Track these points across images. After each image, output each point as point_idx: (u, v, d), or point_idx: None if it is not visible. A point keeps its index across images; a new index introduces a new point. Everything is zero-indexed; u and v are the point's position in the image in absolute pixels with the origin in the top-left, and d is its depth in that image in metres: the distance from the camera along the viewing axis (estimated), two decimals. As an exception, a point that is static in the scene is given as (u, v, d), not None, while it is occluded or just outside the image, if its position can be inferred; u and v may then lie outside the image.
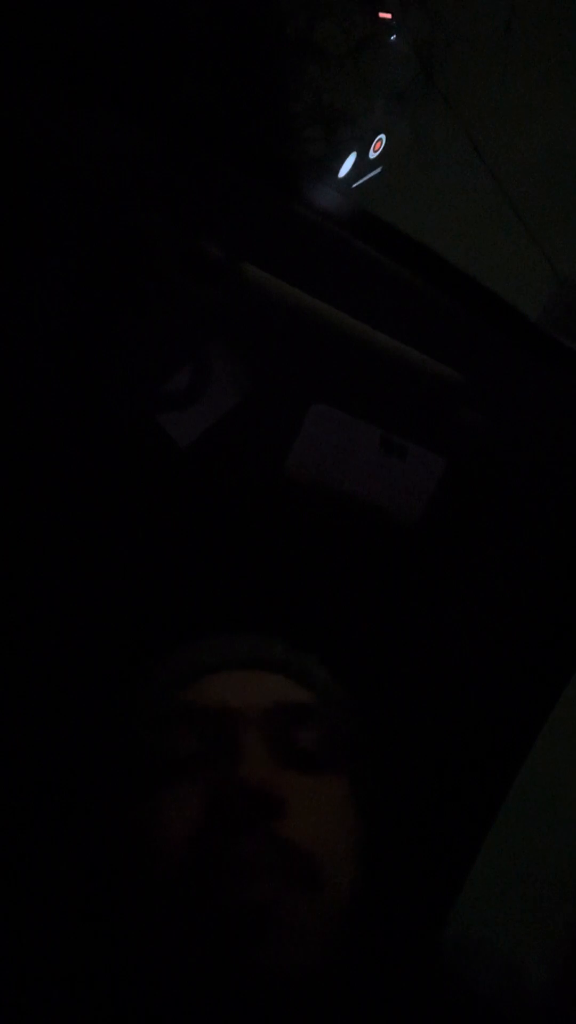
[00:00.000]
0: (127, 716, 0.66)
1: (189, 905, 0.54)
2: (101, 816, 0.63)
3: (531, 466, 0.82)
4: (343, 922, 0.57)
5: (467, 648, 0.83)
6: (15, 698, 0.73)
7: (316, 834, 0.57)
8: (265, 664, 0.66)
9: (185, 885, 0.55)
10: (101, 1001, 0.57)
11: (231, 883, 0.54)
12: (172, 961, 0.55)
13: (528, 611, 0.84)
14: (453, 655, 0.83)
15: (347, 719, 0.67)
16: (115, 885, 0.59)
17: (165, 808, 0.58)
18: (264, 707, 0.62)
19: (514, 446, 0.82)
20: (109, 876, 0.60)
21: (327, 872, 0.57)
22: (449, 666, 0.82)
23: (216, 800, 0.57)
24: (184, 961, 0.54)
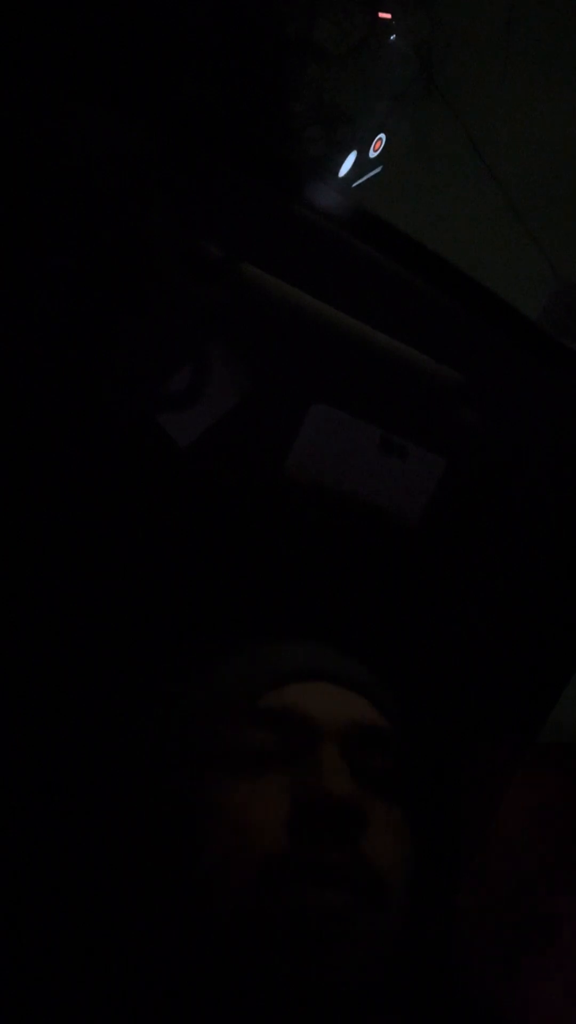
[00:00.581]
0: (195, 711, 0.66)
1: (272, 897, 0.56)
2: (174, 798, 0.63)
3: (531, 467, 0.82)
4: (398, 943, 0.59)
5: (467, 648, 0.83)
6: (13, 697, 0.73)
7: (388, 856, 0.59)
8: (348, 682, 0.67)
9: (271, 876, 0.56)
10: (170, 982, 0.58)
11: (313, 885, 0.56)
12: (244, 950, 0.56)
13: (528, 611, 0.84)
14: (453, 655, 0.83)
15: (412, 752, 0.68)
16: (194, 865, 0.60)
17: (253, 798, 0.59)
18: (345, 724, 0.63)
19: (514, 447, 0.82)
20: (186, 856, 0.60)
21: (393, 894, 0.58)
22: (449, 666, 0.82)
23: (305, 802, 0.58)
24: (257, 953, 0.55)
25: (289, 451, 0.79)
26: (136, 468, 0.77)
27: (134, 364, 0.76)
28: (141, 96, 0.68)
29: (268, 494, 0.80)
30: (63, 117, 0.68)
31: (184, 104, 0.70)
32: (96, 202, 0.69)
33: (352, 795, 0.58)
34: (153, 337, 0.76)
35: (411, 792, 0.65)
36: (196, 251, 0.74)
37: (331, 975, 0.54)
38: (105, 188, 0.69)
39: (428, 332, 0.80)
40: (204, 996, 0.57)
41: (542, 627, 0.84)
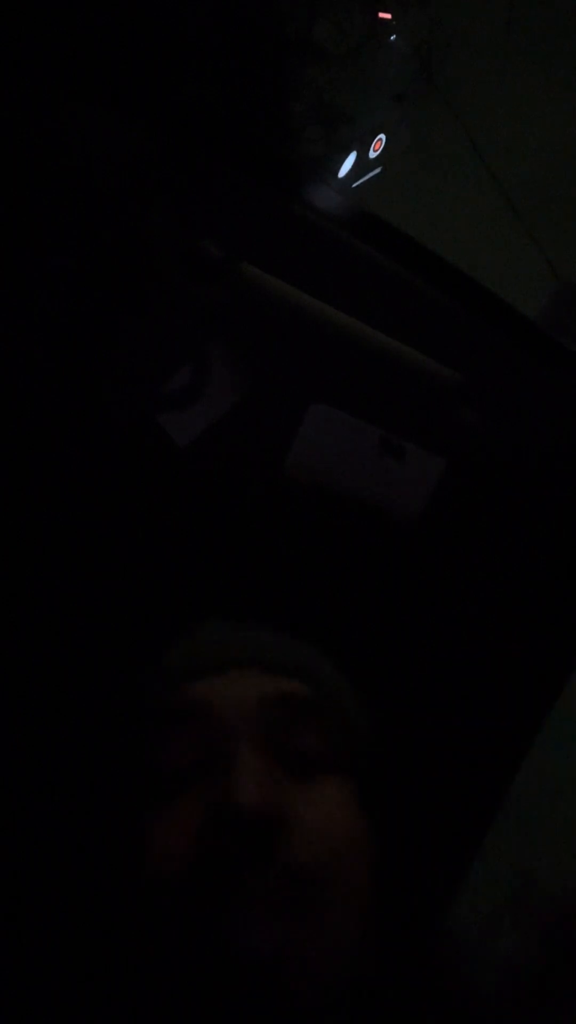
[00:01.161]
0: (119, 724, 0.64)
1: (190, 952, 0.51)
2: (95, 838, 0.62)
3: (529, 466, 0.82)
4: (356, 941, 0.54)
5: (466, 647, 0.83)
6: (13, 698, 0.73)
7: (321, 850, 0.54)
8: (249, 662, 0.63)
9: (184, 927, 0.52)
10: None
11: (234, 928, 0.50)
12: (165, 992, 0.52)
13: (527, 610, 0.84)
14: (451, 654, 0.83)
15: (348, 711, 0.64)
16: (118, 902, 0.57)
17: (157, 833, 0.55)
18: (255, 711, 0.59)
19: (513, 446, 0.82)
20: (113, 893, 0.57)
21: (336, 891, 0.53)
22: (448, 665, 0.82)
23: (209, 824, 0.53)
24: (177, 995, 0.51)
25: (288, 450, 0.79)
26: (135, 467, 0.77)
27: (134, 363, 0.76)
28: (141, 96, 0.68)
29: (267, 493, 0.80)
30: (63, 117, 0.68)
31: (184, 104, 0.70)
32: (96, 202, 0.69)
33: (261, 797, 0.53)
34: (153, 337, 0.76)
35: (354, 751, 0.61)
36: (196, 251, 0.74)
37: (277, 1016, 0.49)
38: (105, 188, 0.69)
39: (428, 332, 0.80)
40: None
41: (541, 626, 0.84)
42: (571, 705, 0.86)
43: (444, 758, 0.76)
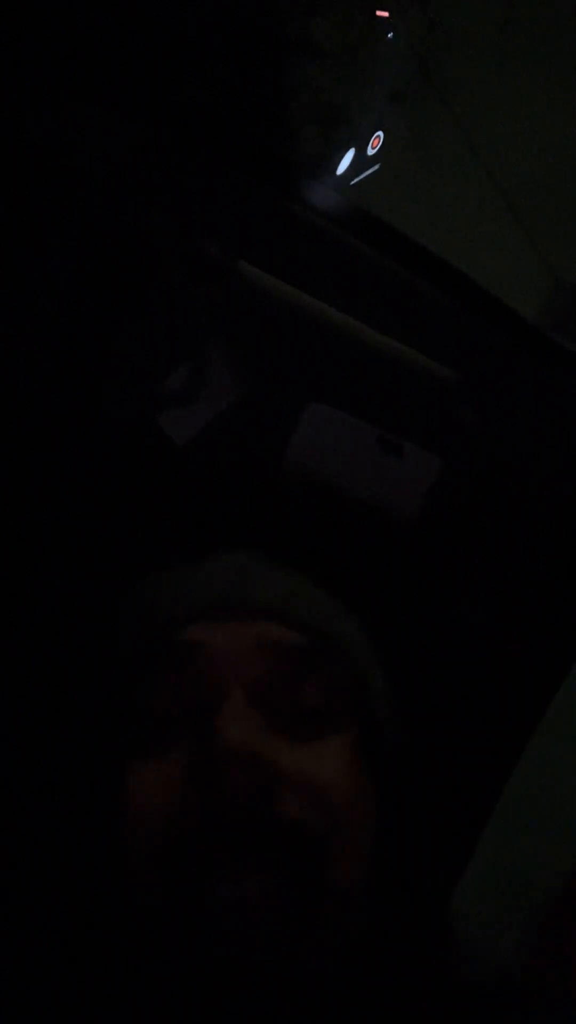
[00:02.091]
0: (104, 670, 0.60)
1: (169, 896, 0.48)
2: (75, 793, 0.58)
3: (527, 466, 0.83)
4: (355, 905, 0.51)
5: (464, 647, 0.83)
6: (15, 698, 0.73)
7: (317, 807, 0.50)
8: (253, 609, 0.58)
9: (166, 871, 0.49)
10: (79, 998, 0.53)
11: (217, 877, 0.47)
12: (153, 956, 0.49)
13: (524, 610, 0.84)
14: (448, 652, 0.83)
15: (358, 666, 0.60)
16: (104, 865, 0.53)
17: (137, 783, 0.52)
18: (252, 663, 0.55)
19: (511, 446, 0.82)
20: (99, 855, 0.54)
21: (333, 850, 0.50)
22: (444, 662, 0.83)
23: (195, 774, 0.50)
24: (165, 959, 0.49)
25: (286, 449, 0.79)
26: (133, 466, 0.77)
27: (132, 362, 0.76)
28: (140, 96, 0.68)
29: (265, 492, 0.80)
30: (61, 116, 0.68)
31: (183, 104, 0.70)
32: (95, 202, 0.69)
33: (252, 752, 0.50)
34: (151, 336, 0.76)
35: (357, 704, 0.58)
36: (194, 250, 0.74)
37: (261, 976, 0.46)
38: (104, 188, 0.69)
39: (425, 331, 0.80)
40: (118, 1002, 0.51)
41: (539, 626, 0.85)
42: (570, 705, 0.86)
43: (441, 758, 0.76)
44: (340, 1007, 0.49)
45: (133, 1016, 0.51)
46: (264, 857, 0.48)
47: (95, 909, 0.55)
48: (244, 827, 0.48)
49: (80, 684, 0.63)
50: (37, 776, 0.65)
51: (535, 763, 0.87)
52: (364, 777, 0.55)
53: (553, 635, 0.85)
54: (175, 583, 0.62)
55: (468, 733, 0.82)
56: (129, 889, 0.51)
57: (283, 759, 0.51)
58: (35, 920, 0.59)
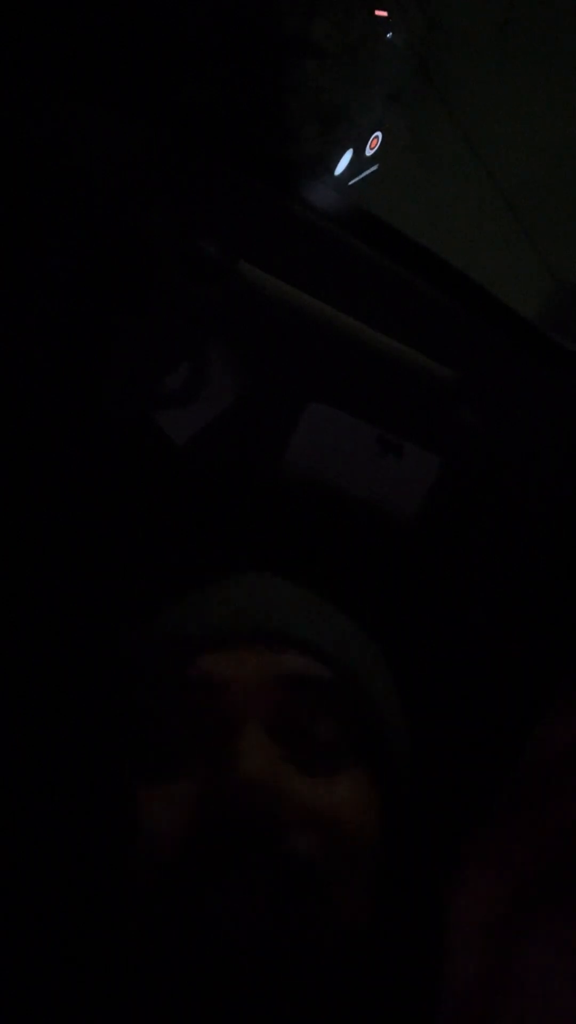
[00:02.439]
0: (114, 697, 0.60)
1: (177, 933, 0.49)
2: (85, 817, 0.58)
3: (526, 466, 0.83)
4: (355, 945, 0.51)
5: (463, 646, 0.83)
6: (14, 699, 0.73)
7: (325, 845, 0.51)
8: (268, 636, 0.57)
9: (173, 889, 0.49)
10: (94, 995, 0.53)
11: (225, 905, 0.48)
12: (157, 970, 0.49)
13: (525, 609, 0.85)
14: (448, 653, 0.83)
15: (376, 699, 0.59)
16: (111, 883, 0.54)
17: (162, 804, 0.52)
18: (268, 691, 0.54)
19: (510, 446, 0.82)
20: (107, 875, 0.54)
21: (338, 888, 0.50)
22: (444, 664, 0.83)
23: (207, 803, 0.50)
24: (169, 973, 0.49)
25: (286, 449, 0.79)
26: (133, 465, 0.77)
27: (132, 362, 0.76)
28: (140, 96, 0.68)
29: (264, 492, 0.80)
30: (63, 117, 0.68)
31: (182, 103, 0.70)
32: (95, 201, 0.69)
33: (264, 785, 0.50)
34: (151, 335, 0.76)
35: (375, 741, 0.57)
36: (194, 250, 0.74)
37: (265, 1008, 0.47)
38: (104, 187, 0.69)
39: (425, 331, 0.80)
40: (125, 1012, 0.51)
41: (538, 626, 0.85)
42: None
43: (440, 756, 0.76)
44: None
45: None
46: (270, 889, 0.49)
47: (100, 927, 0.55)
48: (252, 859, 0.49)
49: (93, 708, 0.63)
50: (48, 798, 0.65)
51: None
52: (374, 815, 0.55)
53: (555, 635, 0.85)
54: (193, 606, 0.61)
55: (469, 733, 0.82)
56: (135, 908, 0.51)
57: (296, 794, 0.52)
58: (41, 936, 0.59)
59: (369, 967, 0.52)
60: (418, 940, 0.56)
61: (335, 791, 0.53)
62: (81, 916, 0.57)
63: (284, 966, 0.47)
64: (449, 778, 0.67)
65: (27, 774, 0.68)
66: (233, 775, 0.50)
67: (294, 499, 0.81)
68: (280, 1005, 0.47)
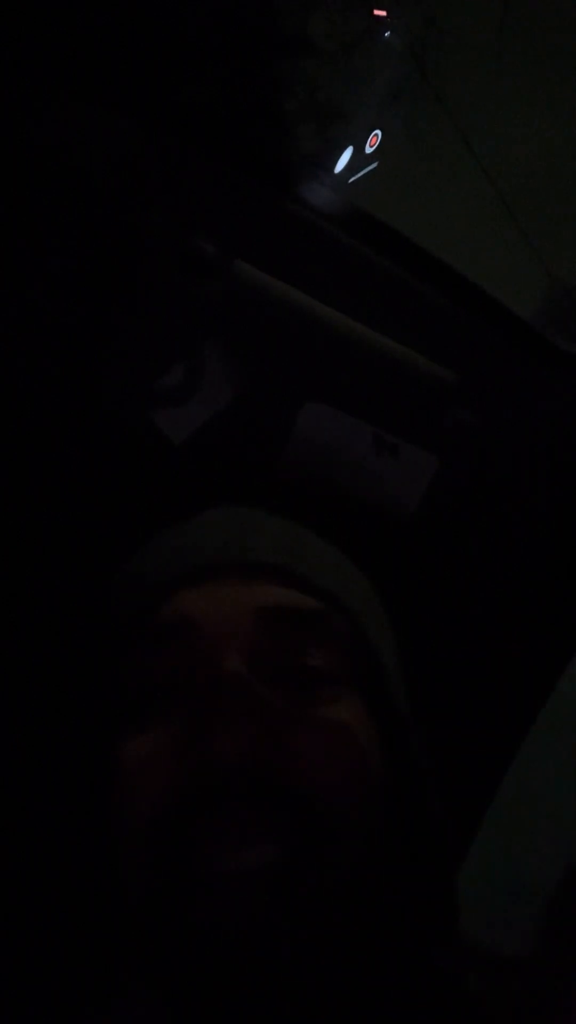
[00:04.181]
0: (93, 643, 0.57)
1: (172, 867, 0.45)
2: (66, 768, 0.56)
3: (523, 466, 0.83)
4: (364, 880, 0.47)
5: (460, 647, 0.83)
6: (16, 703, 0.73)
7: (324, 779, 0.47)
8: (253, 568, 0.54)
9: (168, 845, 0.46)
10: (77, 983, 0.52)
11: (222, 849, 0.44)
12: (152, 924, 0.46)
13: (522, 608, 0.85)
14: (446, 653, 0.83)
15: (369, 633, 0.56)
16: (101, 839, 0.50)
17: (131, 756, 0.49)
18: (252, 627, 0.51)
19: (507, 446, 0.82)
20: (95, 830, 0.51)
21: (341, 824, 0.47)
22: (441, 661, 0.83)
23: (192, 742, 0.47)
24: (162, 947, 0.46)
25: (283, 448, 0.79)
26: (130, 464, 0.77)
27: (129, 360, 0.76)
28: (138, 95, 0.68)
29: (261, 491, 0.80)
30: (58, 115, 0.68)
31: (179, 102, 0.70)
32: (93, 201, 0.69)
33: (255, 716, 0.46)
34: (148, 334, 0.76)
35: (367, 668, 0.55)
36: (191, 248, 0.74)
37: (272, 944, 0.43)
38: (101, 186, 0.69)
39: (422, 331, 0.80)
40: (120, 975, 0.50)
41: (535, 626, 0.85)
42: (566, 701, 0.87)
43: (440, 756, 0.76)
44: (340, 989, 0.47)
45: (128, 988, 0.50)
46: (265, 827, 0.45)
47: (89, 882, 0.53)
48: (244, 794, 0.45)
49: (70, 659, 0.61)
50: (28, 752, 0.64)
51: (532, 759, 0.87)
52: (372, 742, 0.52)
53: (551, 632, 0.85)
54: (166, 543, 0.58)
55: (465, 728, 0.82)
56: (122, 862, 0.48)
57: (288, 728, 0.48)
58: (29, 896, 0.58)
59: (378, 908, 0.49)
60: (424, 881, 0.54)
61: (330, 716, 0.50)
62: (66, 873, 0.55)
63: (281, 913, 0.44)
64: (446, 771, 0.67)
65: (6, 728, 0.66)
66: (216, 709, 0.47)
67: (291, 498, 0.81)
68: (276, 957, 0.44)
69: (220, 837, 0.44)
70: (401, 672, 0.60)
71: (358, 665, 0.54)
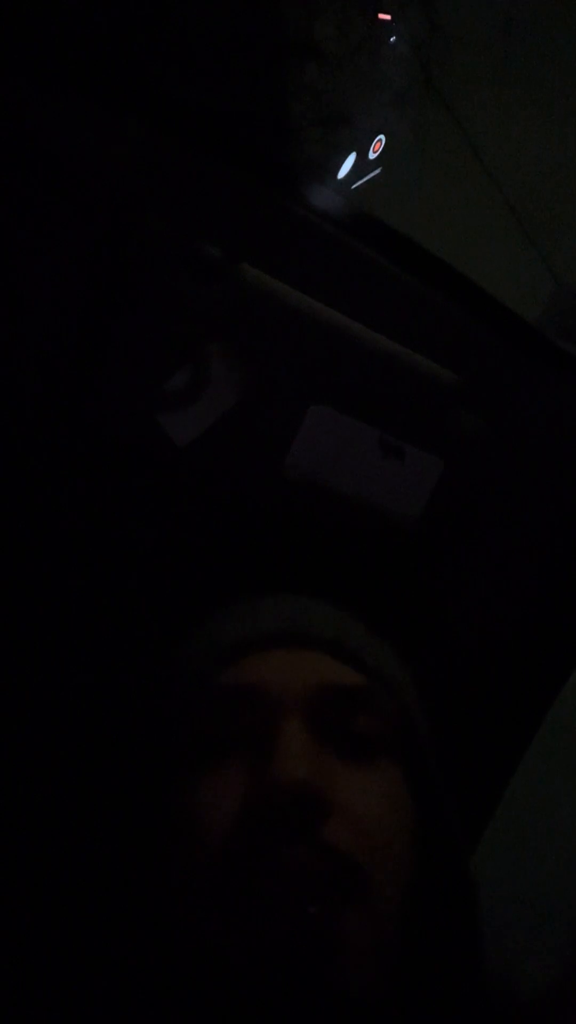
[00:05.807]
0: (158, 699, 0.63)
1: (227, 902, 0.50)
2: (129, 805, 0.61)
3: (528, 470, 0.83)
4: (395, 933, 0.52)
5: (464, 650, 0.83)
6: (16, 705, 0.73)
7: (366, 837, 0.52)
8: (310, 642, 0.61)
9: (225, 879, 0.50)
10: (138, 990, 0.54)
11: (281, 893, 0.49)
12: (205, 961, 0.50)
13: (526, 613, 0.84)
14: (450, 657, 0.83)
15: (402, 699, 0.62)
16: (157, 873, 0.55)
17: (209, 796, 0.54)
18: (309, 692, 0.57)
19: (512, 449, 0.82)
20: (151, 864, 0.56)
21: (379, 880, 0.51)
22: (445, 666, 0.83)
23: (257, 795, 0.52)
24: (220, 964, 0.49)
25: (288, 451, 0.79)
26: (134, 467, 0.77)
27: (134, 363, 0.76)
28: (141, 97, 0.68)
29: (266, 494, 0.80)
30: (62, 118, 0.68)
31: (184, 105, 0.70)
32: (96, 203, 0.69)
33: (307, 779, 0.51)
34: (152, 337, 0.76)
35: (406, 742, 0.60)
36: (195, 252, 0.74)
37: (324, 994, 0.47)
38: (105, 189, 0.69)
39: (427, 334, 0.80)
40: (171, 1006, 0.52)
41: (539, 629, 0.85)
42: (566, 710, 0.86)
43: (441, 758, 0.76)
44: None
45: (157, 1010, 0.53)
46: (310, 881, 0.49)
47: (144, 917, 0.56)
48: (294, 852, 0.50)
49: (146, 706, 0.65)
50: (95, 791, 0.67)
51: (538, 766, 0.86)
52: (409, 808, 0.57)
53: (557, 637, 0.84)
54: (229, 615, 0.65)
55: (472, 732, 0.82)
56: (188, 873, 0.52)
57: (335, 786, 0.53)
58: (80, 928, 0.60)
59: (402, 961, 0.53)
60: (451, 936, 0.57)
61: (372, 782, 0.55)
62: (123, 906, 0.58)
63: (323, 959, 0.48)
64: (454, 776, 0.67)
65: (76, 768, 0.69)
66: (275, 769, 0.52)
67: (296, 502, 0.80)
68: (315, 998, 0.47)
69: (271, 887, 0.49)
70: (433, 741, 0.65)
71: (398, 735, 0.60)
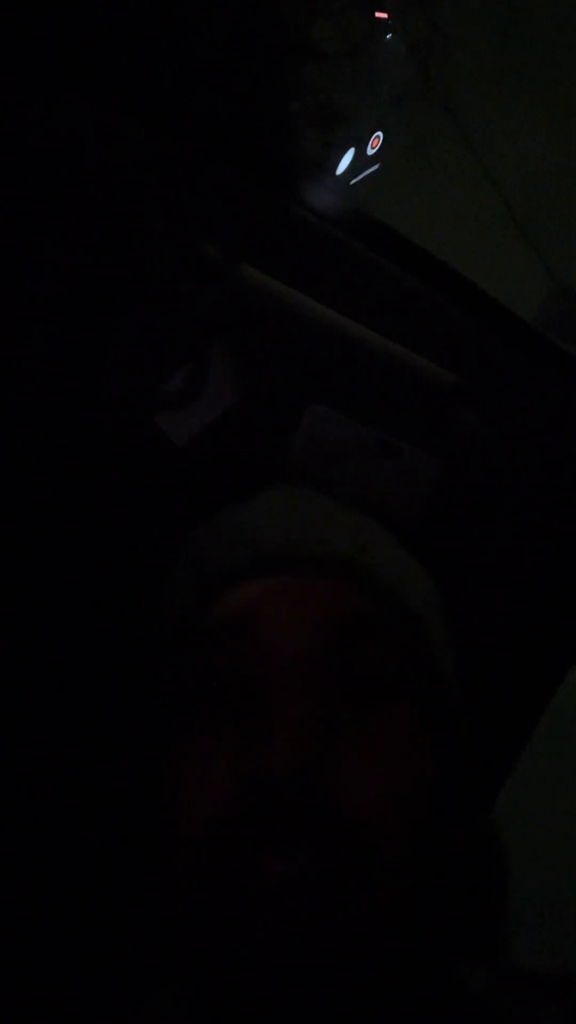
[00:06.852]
0: (150, 641, 0.56)
1: (211, 875, 0.46)
2: (120, 775, 0.57)
3: (526, 469, 0.83)
4: (403, 916, 0.47)
5: (462, 650, 0.83)
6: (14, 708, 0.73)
7: (369, 806, 0.46)
8: (319, 566, 0.52)
9: (208, 852, 0.46)
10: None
11: (272, 896, 0.44)
12: (202, 936, 0.46)
13: (525, 612, 0.85)
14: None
15: (421, 628, 0.55)
16: (149, 848, 0.51)
17: (184, 782, 0.48)
18: (311, 634, 0.49)
19: (510, 449, 0.82)
20: (143, 838, 0.52)
21: (383, 851, 0.46)
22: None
23: (242, 783, 0.46)
24: (215, 938, 0.46)
25: (286, 451, 0.79)
26: (132, 467, 0.77)
27: (132, 363, 0.76)
28: (139, 97, 0.68)
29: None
30: (61, 117, 0.68)
31: (182, 104, 0.70)
32: (94, 203, 0.69)
33: (303, 764, 0.45)
34: (151, 337, 0.76)
35: (422, 671, 0.53)
36: (194, 251, 0.74)
37: (308, 985, 0.43)
38: (105, 190, 0.69)
39: (425, 333, 0.80)
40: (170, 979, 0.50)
41: (537, 630, 0.85)
42: (565, 711, 0.86)
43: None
44: (371, 1004, 0.46)
45: (171, 992, 0.50)
46: (310, 844, 0.45)
47: (138, 883, 0.53)
48: (292, 816, 0.45)
49: (124, 656, 0.60)
50: (78, 751, 0.64)
51: (538, 767, 0.87)
52: (425, 760, 0.50)
53: (554, 637, 0.85)
54: (227, 525, 0.56)
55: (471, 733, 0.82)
56: (173, 863, 0.48)
57: (338, 740, 0.47)
58: (70, 896, 0.58)
59: (417, 927, 0.48)
60: (465, 895, 0.54)
61: (384, 729, 0.49)
62: (111, 883, 0.56)
63: (323, 923, 0.44)
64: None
65: (54, 733, 0.67)
66: (267, 750, 0.46)
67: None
68: (316, 967, 0.43)
69: (267, 848, 0.44)
70: (456, 674, 0.58)
71: (416, 669, 0.52)
